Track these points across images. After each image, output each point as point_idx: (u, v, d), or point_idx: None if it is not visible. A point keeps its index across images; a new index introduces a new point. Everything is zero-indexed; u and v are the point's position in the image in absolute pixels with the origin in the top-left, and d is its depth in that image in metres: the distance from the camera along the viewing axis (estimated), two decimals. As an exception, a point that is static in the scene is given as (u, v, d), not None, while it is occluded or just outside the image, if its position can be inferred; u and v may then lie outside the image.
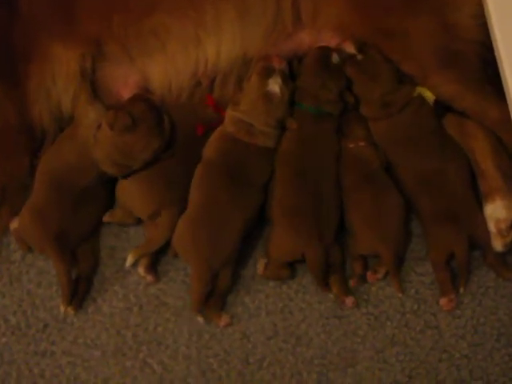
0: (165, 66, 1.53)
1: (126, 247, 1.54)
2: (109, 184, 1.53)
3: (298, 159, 1.50)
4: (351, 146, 1.53)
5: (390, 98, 1.51)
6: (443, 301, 1.45)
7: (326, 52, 1.56)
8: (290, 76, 1.54)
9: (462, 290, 1.45)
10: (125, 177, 1.49)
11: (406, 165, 1.50)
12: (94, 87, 1.53)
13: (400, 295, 1.46)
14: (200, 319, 1.45)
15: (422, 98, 1.52)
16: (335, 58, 1.55)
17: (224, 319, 1.45)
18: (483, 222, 1.45)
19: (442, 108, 1.53)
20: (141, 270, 1.50)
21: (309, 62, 1.56)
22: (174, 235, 1.46)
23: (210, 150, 1.52)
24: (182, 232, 1.45)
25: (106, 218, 1.52)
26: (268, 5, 1.51)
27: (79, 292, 1.50)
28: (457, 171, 1.48)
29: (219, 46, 1.52)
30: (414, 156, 1.50)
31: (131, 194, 1.49)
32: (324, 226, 1.44)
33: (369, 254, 1.47)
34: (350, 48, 1.54)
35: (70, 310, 1.47)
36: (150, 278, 1.51)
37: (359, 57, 1.54)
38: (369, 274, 1.48)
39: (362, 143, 1.53)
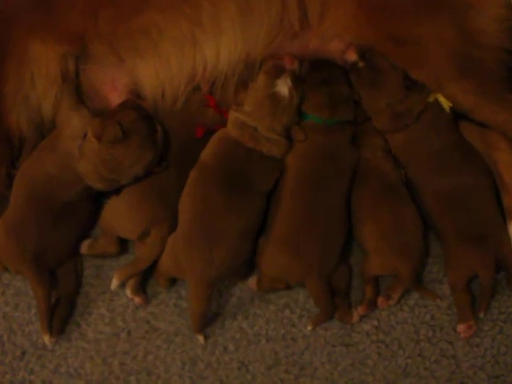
0: (157, 69, 1.42)
1: (113, 266, 1.44)
2: (94, 198, 1.43)
3: (307, 173, 1.39)
4: (368, 156, 1.44)
5: (400, 107, 1.40)
6: (461, 327, 1.37)
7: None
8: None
9: (482, 315, 1.37)
10: (114, 192, 1.38)
11: (427, 181, 1.41)
12: (78, 91, 1.41)
13: (438, 301, 1.40)
14: (200, 338, 1.37)
15: (438, 105, 1.41)
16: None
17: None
18: (509, 241, 1.37)
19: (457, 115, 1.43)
20: (128, 291, 1.40)
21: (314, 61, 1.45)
22: (165, 253, 1.35)
23: (207, 153, 1.40)
24: (173, 248, 1.34)
25: (84, 250, 1.41)
26: (272, 2, 1.40)
27: (61, 316, 1.39)
28: (481, 187, 1.39)
29: (218, 46, 1.41)
30: (434, 171, 1.40)
31: (119, 211, 1.39)
32: (328, 253, 1.35)
33: (385, 272, 1.38)
34: (351, 56, 1.43)
35: (51, 338, 1.36)
36: (138, 300, 1.41)
37: (360, 64, 1.43)
38: (381, 299, 1.38)
39: (379, 154, 1.43)
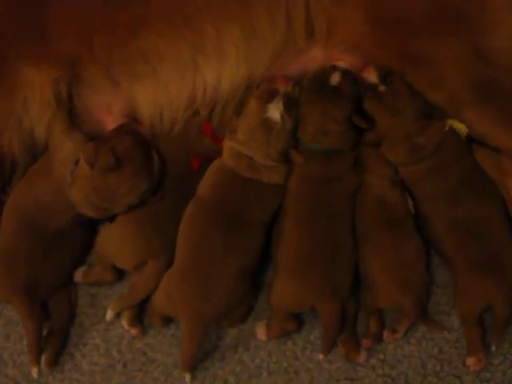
0: (155, 94, 1.37)
1: (108, 294, 1.40)
2: (88, 224, 1.38)
3: (310, 199, 1.34)
4: (373, 183, 1.37)
5: (419, 139, 1.34)
6: (470, 361, 1.31)
7: (325, 72, 1.37)
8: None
9: (494, 348, 1.31)
10: (109, 220, 1.33)
11: (441, 212, 1.35)
12: (71, 115, 1.37)
13: (446, 333, 1.34)
14: (187, 377, 1.30)
15: (454, 133, 1.36)
16: (335, 78, 1.36)
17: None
18: (526, 271, 1.32)
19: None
20: (124, 322, 1.36)
21: (304, 86, 1.38)
22: (159, 289, 1.30)
23: (205, 185, 1.35)
24: (169, 286, 1.29)
25: (78, 278, 1.37)
26: (278, 23, 1.35)
27: (54, 347, 1.34)
28: (496, 215, 1.34)
29: (220, 71, 1.36)
30: (450, 202, 1.34)
31: (114, 240, 1.34)
32: (340, 275, 1.30)
33: (387, 306, 1.34)
34: (371, 76, 1.36)
35: (44, 369, 1.32)
36: (134, 331, 1.36)
37: (381, 88, 1.35)
38: (386, 332, 1.33)
39: (386, 183, 1.37)
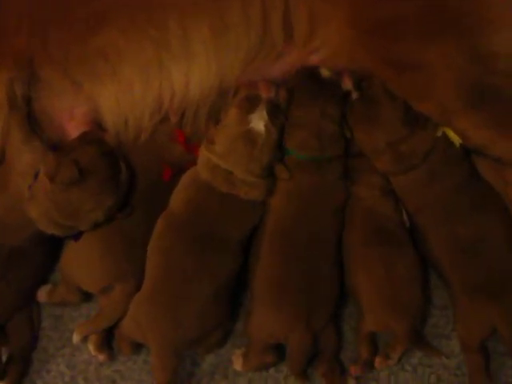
0: (118, 96, 1.26)
1: (74, 316, 1.31)
2: (50, 242, 1.27)
3: (290, 219, 1.23)
4: (362, 195, 1.27)
5: (404, 147, 1.23)
6: None
7: (311, 69, 1.27)
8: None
9: None
10: (74, 237, 1.22)
11: (437, 227, 1.24)
12: (29, 121, 1.26)
13: (444, 359, 1.24)
14: None
15: (447, 141, 1.24)
16: (325, 72, 1.26)
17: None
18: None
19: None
20: (91, 347, 1.25)
21: (295, 86, 1.26)
22: (128, 314, 1.20)
23: (176, 199, 1.24)
24: (137, 311, 1.18)
25: (41, 298, 1.27)
26: (252, 22, 1.23)
27: (14, 374, 1.25)
28: (498, 230, 1.23)
29: (188, 72, 1.24)
30: (447, 215, 1.24)
31: (78, 261, 1.23)
32: (317, 305, 1.19)
33: (378, 329, 1.23)
34: (346, 84, 1.26)
35: None
36: (102, 357, 1.25)
37: (354, 95, 1.26)
38: (378, 359, 1.21)
39: (376, 193, 1.27)
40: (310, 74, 1.27)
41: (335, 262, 1.23)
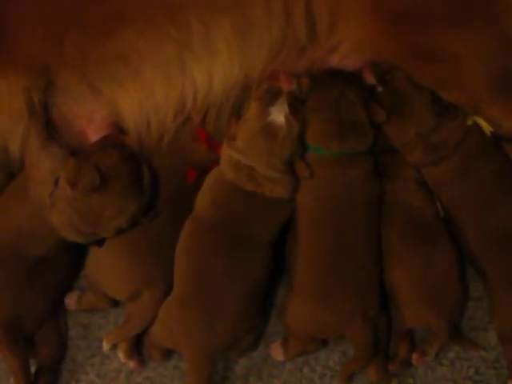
0: (140, 98, 1.24)
1: (101, 324, 1.28)
2: (74, 249, 1.25)
3: (324, 215, 1.20)
4: (398, 190, 1.24)
5: (434, 138, 1.22)
6: None
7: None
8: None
9: None
10: (97, 243, 1.19)
11: (473, 219, 1.22)
12: (48, 127, 1.23)
13: (482, 352, 1.22)
14: None
15: (479, 130, 1.23)
16: None
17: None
18: None
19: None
20: (121, 355, 1.23)
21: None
22: (157, 320, 1.18)
23: (202, 201, 1.21)
24: (168, 316, 1.16)
25: (71, 306, 1.25)
26: (274, 16, 1.21)
27: None
28: None
29: (211, 70, 1.22)
30: (482, 207, 1.22)
31: (103, 268, 1.21)
32: (367, 290, 1.18)
33: (415, 325, 1.22)
34: (368, 78, 1.24)
35: None
36: (133, 364, 1.23)
37: (379, 89, 1.24)
38: (415, 355, 1.20)
39: (411, 187, 1.24)
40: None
41: (375, 252, 1.21)
